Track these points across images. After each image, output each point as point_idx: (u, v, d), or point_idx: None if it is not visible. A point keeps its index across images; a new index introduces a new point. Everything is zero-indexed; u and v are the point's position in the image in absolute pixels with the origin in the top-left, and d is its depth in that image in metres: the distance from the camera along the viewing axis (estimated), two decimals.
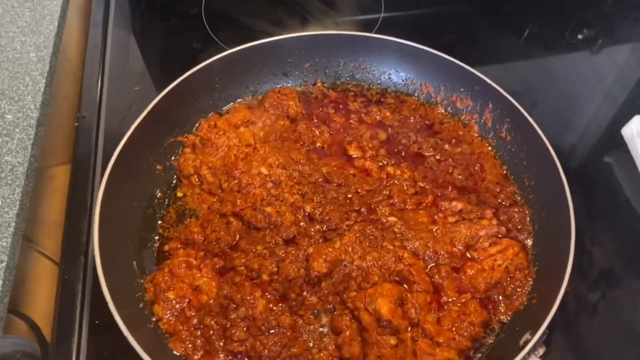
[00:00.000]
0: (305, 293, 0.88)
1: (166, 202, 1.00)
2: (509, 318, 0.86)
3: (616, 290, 0.94)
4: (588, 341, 0.88)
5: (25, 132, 1.09)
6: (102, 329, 0.88)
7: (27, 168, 1.05)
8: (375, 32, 1.30)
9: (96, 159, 1.07)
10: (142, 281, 0.90)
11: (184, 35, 1.33)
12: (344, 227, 0.93)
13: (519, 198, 0.99)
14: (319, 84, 1.16)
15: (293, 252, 0.90)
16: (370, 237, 0.91)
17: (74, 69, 1.31)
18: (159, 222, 0.98)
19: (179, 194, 1.02)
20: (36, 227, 1.06)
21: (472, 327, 0.84)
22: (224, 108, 1.12)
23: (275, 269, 0.88)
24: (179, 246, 0.95)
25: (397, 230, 0.93)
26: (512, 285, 0.88)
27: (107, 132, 1.12)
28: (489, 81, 1.03)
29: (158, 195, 1.00)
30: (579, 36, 1.42)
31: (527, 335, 0.78)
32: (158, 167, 1.02)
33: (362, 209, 0.96)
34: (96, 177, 1.05)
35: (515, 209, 0.97)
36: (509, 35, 1.41)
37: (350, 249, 0.89)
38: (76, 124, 1.15)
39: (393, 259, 0.89)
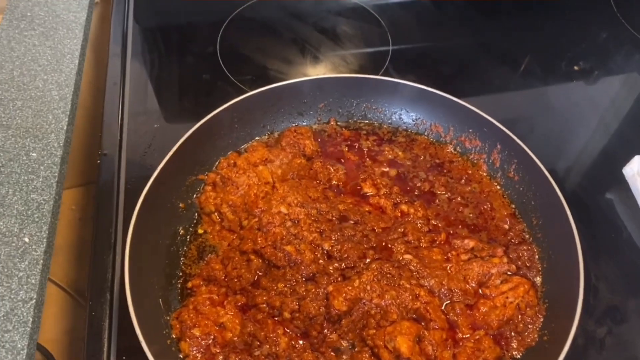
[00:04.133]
0: (325, 330, 0.91)
1: (188, 239, 1.04)
2: (521, 354, 0.90)
3: (621, 325, 0.98)
4: None
5: (50, 170, 1.13)
6: None
7: (53, 206, 1.08)
8: (387, 66, 1.36)
9: (119, 196, 1.11)
10: (168, 318, 0.93)
11: (200, 72, 1.38)
12: (361, 265, 0.97)
13: (527, 236, 1.04)
14: (332, 123, 1.21)
15: (313, 290, 0.93)
16: (388, 275, 0.95)
17: (84, 103, 1.35)
18: (182, 259, 1.01)
19: (200, 231, 1.06)
20: None
21: None
22: (242, 146, 1.16)
23: (297, 307, 0.92)
24: (202, 283, 0.98)
25: (412, 268, 0.97)
26: (523, 322, 0.93)
27: (129, 169, 1.15)
28: (497, 123, 1.08)
29: (181, 233, 1.04)
30: (575, 67, 1.48)
31: None
32: (180, 205, 1.06)
33: (379, 247, 1.00)
34: (119, 214, 1.08)
35: (524, 247, 1.01)
36: (507, 67, 1.46)
37: (368, 288, 0.93)
38: (98, 161, 1.19)
39: (410, 297, 0.92)
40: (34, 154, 1.16)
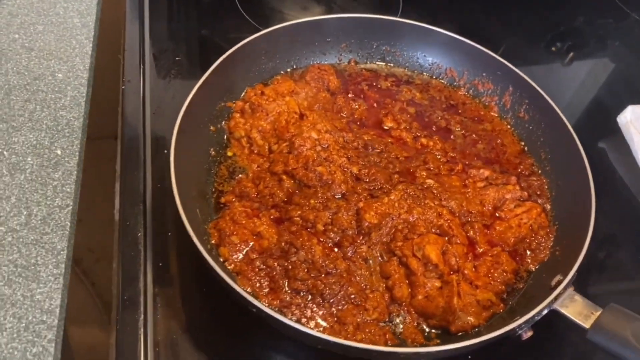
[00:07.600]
0: (357, 241, 0.97)
1: (219, 160, 1.07)
2: (535, 267, 0.98)
3: (619, 251, 1.08)
4: (597, 291, 1.02)
5: (77, 90, 1.14)
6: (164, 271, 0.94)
7: (83, 123, 1.10)
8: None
9: (145, 119, 1.13)
10: (205, 227, 0.96)
11: (218, 14, 1.41)
12: (388, 187, 1.03)
13: (536, 169, 1.12)
14: (352, 63, 1.26)
15: (345, 205, 0.99)
16: (413, 195, 1.01)
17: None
18: (214, 177, 1.05)
19: (229, 154, 1.09)
20: None
21: (504, 274, 0.95)
22: (268, 80, 1.20)
23: (330, 220, 0.97)
24: (234, 199, 1.02)
25: (435, 191, 1.03)
26: (536, 241, 1.01)
27: (153, 95, 1.17)
28: (511, 66, 1.16)
29: (212, 154, 1.07)
30: (553, 48, 1.59)
31: (558, 277, 0.89)
32: (211, 128, 1.09)
33: (403, 172, 1.06)
34: (147, 136, 1.11)
35: (534, 178, 1.10)
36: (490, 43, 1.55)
37: (397, 205, 0.99)
38: (122, 87, 1.20)
39: (435, 214, 0.99)
40: (59, 75, 1.16)
